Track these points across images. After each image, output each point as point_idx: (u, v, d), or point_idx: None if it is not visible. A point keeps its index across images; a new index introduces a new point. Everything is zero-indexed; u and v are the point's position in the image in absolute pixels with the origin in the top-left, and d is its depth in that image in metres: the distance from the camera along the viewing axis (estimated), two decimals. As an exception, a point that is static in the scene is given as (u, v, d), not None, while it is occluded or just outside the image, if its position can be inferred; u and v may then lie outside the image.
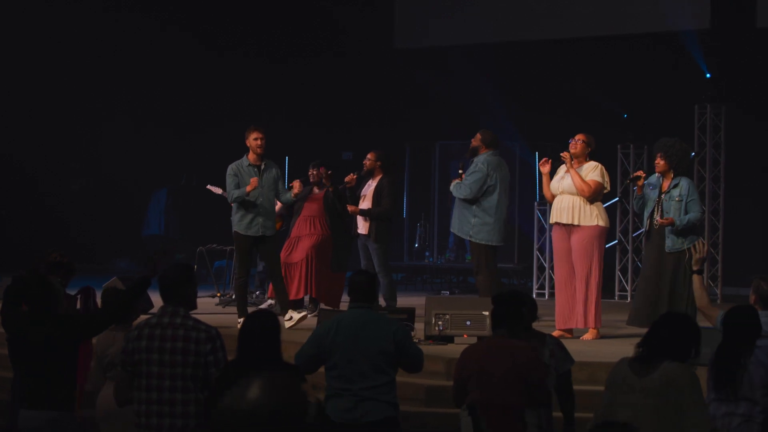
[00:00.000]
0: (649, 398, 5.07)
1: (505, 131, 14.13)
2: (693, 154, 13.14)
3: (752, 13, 14.96)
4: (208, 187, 12.73)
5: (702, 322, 7.98)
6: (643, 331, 5.92)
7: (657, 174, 9.65)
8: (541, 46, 16.51)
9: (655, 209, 9.54)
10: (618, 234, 14.42)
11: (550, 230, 10.36)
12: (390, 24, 17.94)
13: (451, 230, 11.32)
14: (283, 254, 11.34)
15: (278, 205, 11.11)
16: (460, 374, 5.86)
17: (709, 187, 14.15)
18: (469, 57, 16.67)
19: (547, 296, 14.26)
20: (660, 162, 9.58)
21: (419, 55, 17.41)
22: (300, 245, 11.52)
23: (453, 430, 6.24)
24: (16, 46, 16.30)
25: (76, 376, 5.77)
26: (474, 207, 10.67)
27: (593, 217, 9.91)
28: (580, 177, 9.91)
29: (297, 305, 11.10)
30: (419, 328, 9.57)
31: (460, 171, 10.91)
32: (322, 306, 11.28)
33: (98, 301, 7.83)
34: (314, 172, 11.75)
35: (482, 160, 10.69)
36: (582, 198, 9.89)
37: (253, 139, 10.45)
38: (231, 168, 10.54)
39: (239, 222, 10.47)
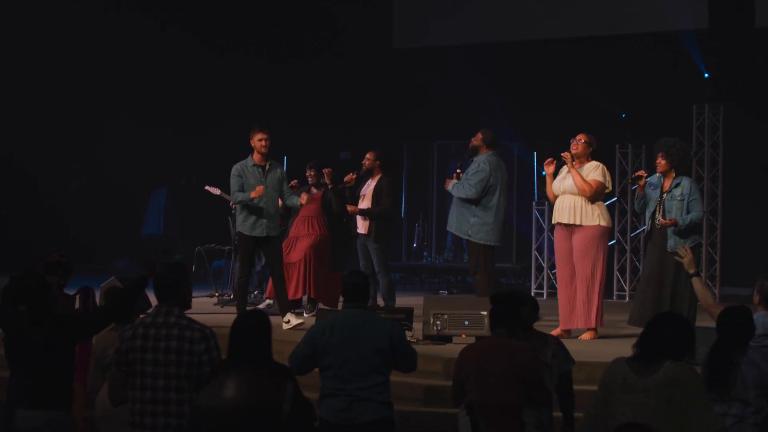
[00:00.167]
0: (653, 398, 5.05)
1: (504, 131, 14.14)
2: (692, 153, 13.16)
3: (751, 13, 14.97)
4: (207, 188, 12.75)
5: (703, 322, 8.04)
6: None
7: (658, 174, 9.66)
8: (541, 45, 16.53)
9: (657, 209, 9.55)
10: (616, 234, 14.43)
11: (549, 230, 10.40)
12: (390, 24, 17.96)
13: (448, 229, 11.28)
14: (281, 254, 11.35)
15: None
16: (459, 374, 5.86)
17: (708, 186, 14.17)
18: (469, 57, 16.68)
19: (545, 296, 14.28)
20: (661, 162, 9.58)
21: (419, 55, 17.41)
22: (298, 245, 11.54)
23: (451, 430, 6.24)
24: (16, 46, 16.31)
25: (74, 376, 5.79)
26: (474, 207, 10.67)
27: (595, 216, 9.90)
28: (581, 177, 9.91)
29: (295, 305, 11.12)
30: (417, 328, 9.57)
31: (458, 170, 10.92)
32: (321, 306, 11.30)
33: (97, 300, 7.86)
34: (312, 173, 11.75)
35: (484, 160, 10.68)
36: (583, 198, 9.90)
37: (258, 140, 10.43)
38: (235, 168, 10.51)
39: (243, 222, 10.45)
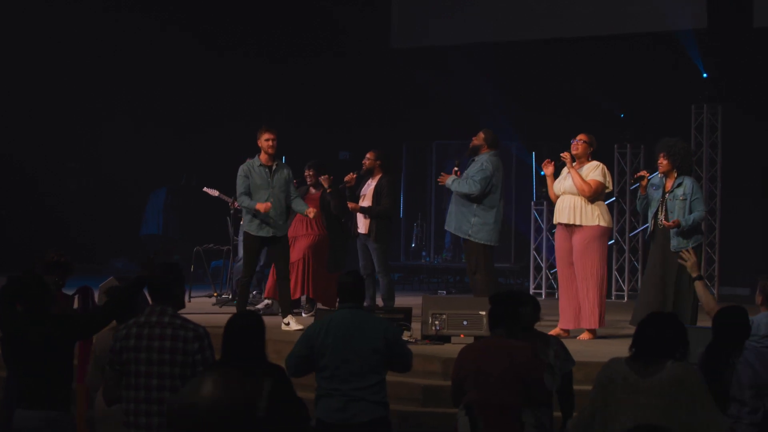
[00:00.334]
0: (656, 398, 5.03)
1: (503, 131, 14.15)
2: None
3: (749, 13, 14.98)
4: (205, 189, 12.74)
5: (704, 322, 8.03)
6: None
7: (660, 174, 9.67)
8: (540, 45, 16.54)
9: (659, 209, 9.56)
10: (615, 234, 14.44)
11: (548, 230, 10.40)
12: (389, 24, 17.97)
13: (446, 228, 11.22)
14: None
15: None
16: (458, 374, 5.86)
17: (706, 187, 14.17)
18: (469, 57, 16.69)
19: (543, 296, 14.28)
20: (663, 162, 9.59)
21: (418, 55, 17.42)
22: (297, 245, 11.54)
23: (450, 430, 6.25)
24: (16, 46, 16.32)
25: (73, 375, 5.79)
26: (475, 206, 10.67)
27: (595, 216, 9.90)
28: (581, 177, 9.91)
29: (293, 305, 11.12)
30: (416, 328, 9.56)
31: (456, 169, 10.92)
32: (319, 306, 11.31)
33: (96, 300, 7.86)
34: (311, 173, 11.75)
35: (486, 159, 10.68)
36: (583, 198, 9.90)
37: (265, 140, 10.40)
38: (242, 169, 10.46)
39: (250, 222, 10.40)
